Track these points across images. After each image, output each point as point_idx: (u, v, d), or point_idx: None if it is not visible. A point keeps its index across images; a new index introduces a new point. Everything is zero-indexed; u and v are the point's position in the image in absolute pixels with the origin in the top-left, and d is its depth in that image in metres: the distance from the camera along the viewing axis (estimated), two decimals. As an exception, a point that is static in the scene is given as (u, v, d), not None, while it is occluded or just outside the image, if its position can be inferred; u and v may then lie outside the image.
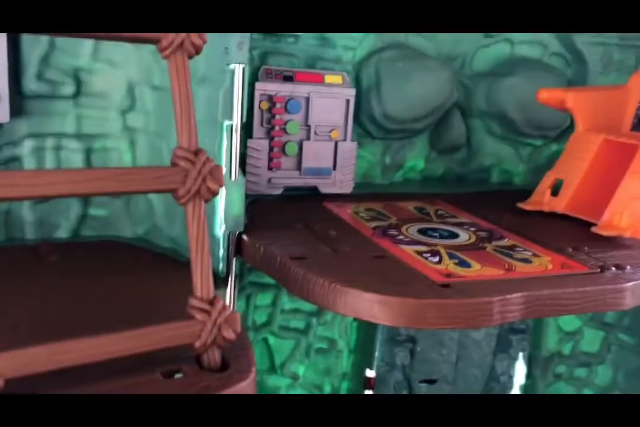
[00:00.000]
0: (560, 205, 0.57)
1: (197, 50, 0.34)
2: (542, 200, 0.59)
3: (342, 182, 0.62)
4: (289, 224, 0.51)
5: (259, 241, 0.46)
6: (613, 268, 0.46)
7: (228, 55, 0.43)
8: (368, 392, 0.68)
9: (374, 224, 0.53)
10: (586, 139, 0.58)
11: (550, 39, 0.71)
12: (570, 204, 0.57)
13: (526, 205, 0.59)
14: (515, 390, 0.74)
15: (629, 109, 0.61)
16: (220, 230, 0.47)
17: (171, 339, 0.32)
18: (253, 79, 0.56)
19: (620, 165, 0.55)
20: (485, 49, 0.69)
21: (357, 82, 0.64)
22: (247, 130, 0.57)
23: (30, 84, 0.50)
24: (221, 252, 0.47)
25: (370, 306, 0.38)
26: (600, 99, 0.60)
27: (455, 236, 0.51)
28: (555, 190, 0.59)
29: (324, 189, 0.61)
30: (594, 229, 0.52)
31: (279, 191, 0.59)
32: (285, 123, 0.58)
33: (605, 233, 0.51)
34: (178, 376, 0.33)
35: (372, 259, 0.45)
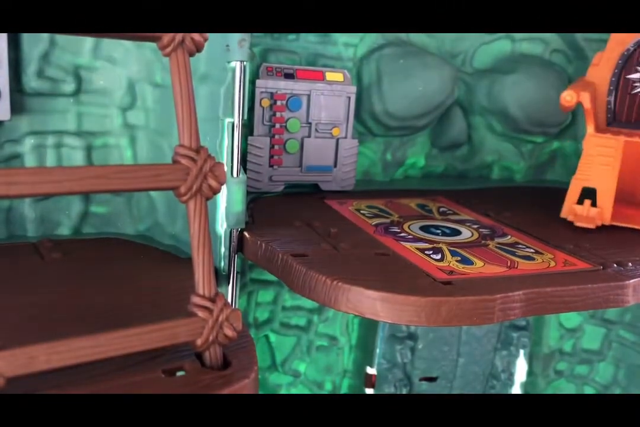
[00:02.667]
0: (605, 217, 0.55)
1: (198, 48, 0.34)
2: (579, 212, 0.55)
3: (343, 179, 0.61)
4: (290, 221, 0.51)
5: (261, 238, 0.46)
6: (615, 265, 0.46)
7: (229, 53, 0.43)
8: (369, 389, 0.68)
9: (375, 221, 0.53)
10: (605, 142, 0.55)
11: (551, 36, 0.71)
12: (615, 214, 0.55)
13: (578, 221, 0.55)
14: (516, 387, 0.74)
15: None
16: (221, 227, 0.47)
17: (173, 336, 0.32)
18: (254, 76, 0.56)
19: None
20: (486, 46, 0.69)
21: (358, 79, 0.64)
22: (248, 127, 0.57)
23: (31, 82, 0.49)
24: (222, 249, 0.47)
25: (372, 303, 0.38)
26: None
27: (458, 233, 0.51)
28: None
29: (325, 186, 0.61)
30: None
31: (280, 188, 0.59)
32: (286, 120, 0.58)
33: None
34: (180, 373, 0.33)
35: (374, 257, 0.45)
